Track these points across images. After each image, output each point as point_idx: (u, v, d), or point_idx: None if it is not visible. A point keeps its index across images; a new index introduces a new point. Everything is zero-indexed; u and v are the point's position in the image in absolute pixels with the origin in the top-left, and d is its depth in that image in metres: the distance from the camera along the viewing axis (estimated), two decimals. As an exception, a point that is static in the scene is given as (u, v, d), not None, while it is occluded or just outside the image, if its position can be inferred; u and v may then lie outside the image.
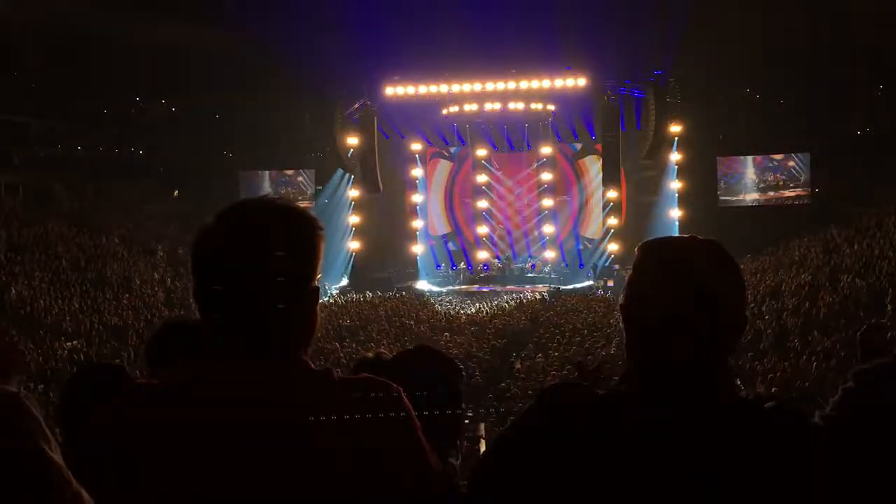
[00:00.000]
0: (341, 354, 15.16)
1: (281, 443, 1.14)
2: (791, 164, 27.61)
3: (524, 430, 1.31)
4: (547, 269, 28.18)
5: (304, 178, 31.12)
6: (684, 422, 1.21)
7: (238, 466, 1.13)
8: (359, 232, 28.63)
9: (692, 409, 1.22)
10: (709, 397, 1.24)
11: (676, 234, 1.45)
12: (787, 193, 27.60)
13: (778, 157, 27.73)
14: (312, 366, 1.23)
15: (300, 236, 1.23)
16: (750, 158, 28.13)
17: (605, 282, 26.17)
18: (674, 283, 1.26)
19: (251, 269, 1.18)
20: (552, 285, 26.10)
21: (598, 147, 26.85)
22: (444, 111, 26.68)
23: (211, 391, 1.18)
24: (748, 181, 28.11)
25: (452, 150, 29.93)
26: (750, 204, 27.74)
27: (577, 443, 1.23)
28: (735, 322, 1.28)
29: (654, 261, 1.32)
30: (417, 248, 29.19)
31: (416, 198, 29.70)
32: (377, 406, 1.19)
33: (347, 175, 28.43)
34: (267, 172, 31.00)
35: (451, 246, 29.79)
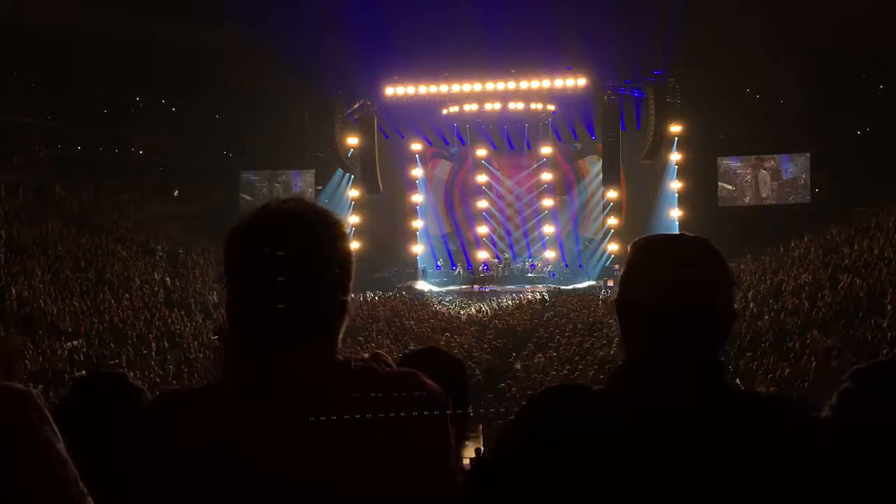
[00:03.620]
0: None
1: (329, 442, 1.14)
2: (791, 164, 27.62)
3: (522, 431, 1.32)
4: (547, 269, 28.20)
5: (304, 179, 31.13)
6: (675, 415, 1.22)
7: (280, 473, 1.13)
8: (359, 232, 28.63)
9: (683, 403, 1.24)
10: (700, 390, 1.26)
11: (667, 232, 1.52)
12: (788, 193, 27.61)
13: (778, 157, 27.73)
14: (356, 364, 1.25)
15: (345, 242, 1.29)
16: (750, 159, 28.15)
17: (605, 282, 26.20)
18: (663, 279, 1.29)
19: (308, 268, 1.19)
20: (552, 285, 26.12)
21: (599, 147, 26.85)
22: (444, 111, 26.69)
23: (257, 399, 1.17)
24: (748, 182, 28.11)
25: (452, 150, 29.93)
26: (750, 204, 27.74)
27: (572, 440, 1.24)
28: (723, 317, 1.30)
29: (644, 258, 1.35)
30: (417, 248, 29.20)
31: (416, 198, 29.71)
32: (420, 406, 1.20)
33: (347, 175, 28.45)
34: (267, 172, 31.02)
35: (451, 246, 29.79)
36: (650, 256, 1.34)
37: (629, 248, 1.39)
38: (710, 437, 1.21)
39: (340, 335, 1.26)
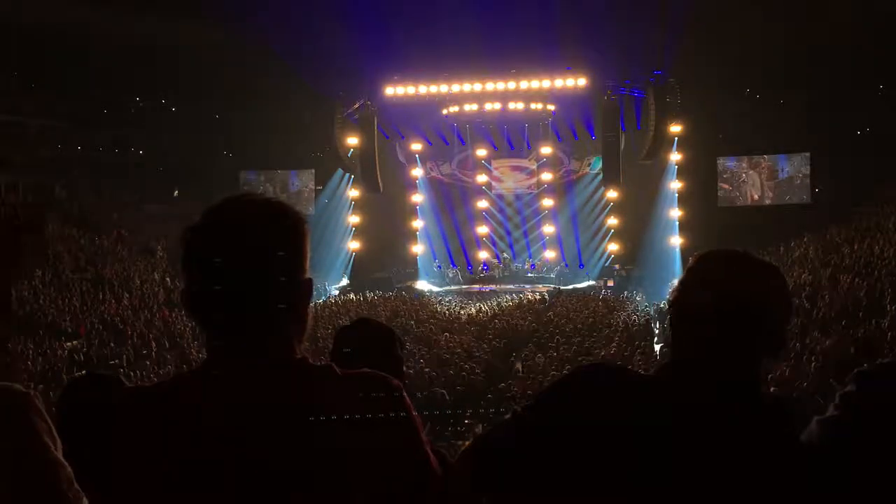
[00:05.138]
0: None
1: (285, 441, 1.14)
2: (790, 164, 27.62)
3: (559, 399, 1.35)
4: (547, 269, 28.20)
5: (304, 179, 31.14)
6: (702, 418, 1.26)
7: (239, 466, 1.13)
8: (359, 232, 28.66)
9: (715, 405, 1.27)
10: (733, 396, 1.29)
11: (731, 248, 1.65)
12: (787, 193, 27.61)
13: (777, 157, 27.73)
14: (311, 361, 1.24)
15: (288, 229, 1.24)
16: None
17: (606, 282, 26.19)
18: (720, 287, 1.34)
19: (244, 266, 1.18)
20: (552, 285, 26.11)
21: (599, 147, 26.85)
22: (444, 111, 26.68)
23: (210, 391, 1.18)
24: (748, 181, 28.12)
25: (452, 150, 29.91)
26: (750, 204, 27.74)
27: (598, 421, 1.27)
28: (772, 334, 1.35)
29: (707, 266, 1.41)
30: (417, 248, 29.20)
31: (416, 198, 29.71)
32: (380, 403, 1.19)
33: (347, 175, 28.45)
34: (267, 172, 31.03)
35: (451, 246, 29.78)
36: (714, 265, 1.40)
37: (693, 255, 1.46)
38: (712, 436, 1.23)
39: (300, 335, 1.25)
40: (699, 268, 1.40)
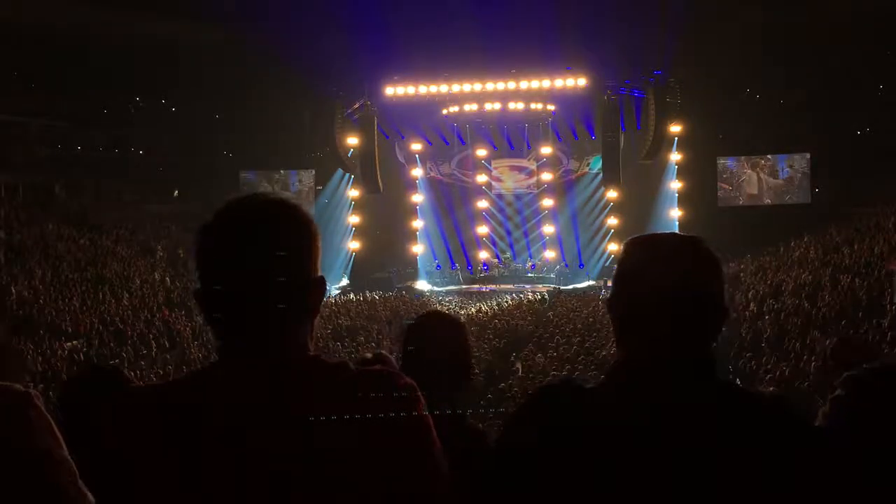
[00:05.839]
0: (342, 354, 15.17)
1: (292, 441, 1.14)
2: (790, 164, 27.62)
3: (519, 429, 1.32)
4: (547, 269, 28.21)
5: (304, 179, 31.14)
6: (670, 413, 1.22)
7: (245, 466, 1.13)
8: (359, 232, 28.67)
9: (677, 401, 1.24)
10: (693, 387, 1.26)
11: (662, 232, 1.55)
12: (787, 194, 27.61)
13: (777, 157, 27.73)
14: (326, 360, 1.24)
15: (300, 228, 1.24)
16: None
17: (605, 282, 26.20)
18: (656, 277, 1.28)
19: (257, 266, 1.18)
20: (552, 285, 26.12)
21: (599, 147, 26.86)
22: (444, 111, 26.68)
23: (223, 391, 1.18)
24: (748, 181, 28.11)
25: (452, 150, 29.92)
26: (750, 204, 27.74)
27: (568, 438, 1.24)
28: (716, 314, 1.30)
29: (637, 257, 1.35)
30: (417, 248, 29.21)
31: (416, 198, 29.72)
32: (388, 403, 1.19)
33: (347, 175, 28.46)
34: (266, 172, 31.02)
35: (451, 246, 29.79)
36: (643, 255, 1.34)
37: (622, 247, 1.39)
38: (704, 435, 1.20)
39: (311, 331, 1.26)
40: (631, 258, 1.34)
